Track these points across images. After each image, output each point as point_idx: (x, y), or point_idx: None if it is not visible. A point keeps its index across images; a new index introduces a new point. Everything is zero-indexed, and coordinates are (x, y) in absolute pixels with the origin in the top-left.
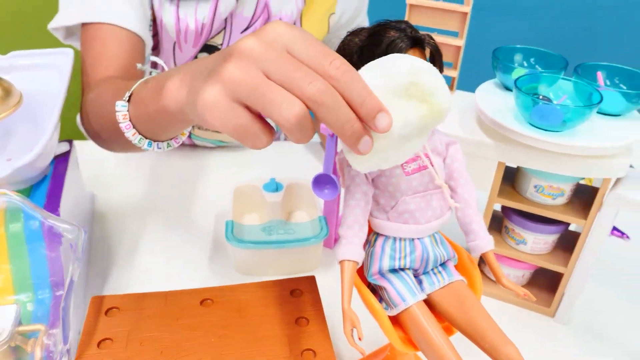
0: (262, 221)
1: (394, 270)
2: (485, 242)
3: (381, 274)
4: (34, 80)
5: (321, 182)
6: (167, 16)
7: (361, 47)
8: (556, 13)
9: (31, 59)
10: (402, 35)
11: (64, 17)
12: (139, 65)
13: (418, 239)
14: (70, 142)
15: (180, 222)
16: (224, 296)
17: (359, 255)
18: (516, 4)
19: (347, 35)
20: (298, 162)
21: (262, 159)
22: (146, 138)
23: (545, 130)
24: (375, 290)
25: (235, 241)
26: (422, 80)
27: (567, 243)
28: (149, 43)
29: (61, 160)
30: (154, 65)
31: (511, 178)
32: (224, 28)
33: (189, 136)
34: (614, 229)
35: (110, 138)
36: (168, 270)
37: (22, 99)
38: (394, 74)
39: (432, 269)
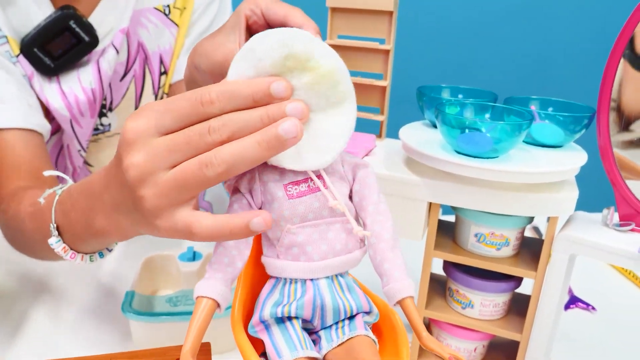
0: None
1: (280, 321)
2: (399, 285)
3: (265, 324)
4: None
5: None
6: (52, 96)
7: None
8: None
9: None
10: None
11: None
12: (41, 200)
13: (311, 280)
14: None
15: (80, 297)
16: None
17: (218, 293)
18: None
19: None
20: None
21: None
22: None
23: (475, 157)
24: None
25: (132, 313)
26: (294, 50)
27: (522, 308)
28: (46, 130)
29: None
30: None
31: (450, 230)
32: None
33: None
34: (578, 300)
35: (47, 257)
36: (58, 343)
37: None
38: (265, 55)
39: (337, 324)
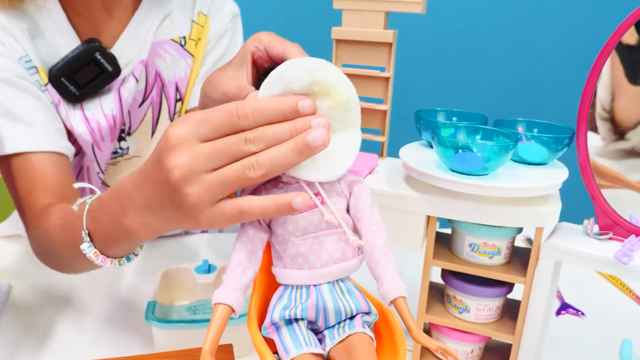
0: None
1: (288, 322)
2: (392, 287)
3: (276, 326)
4: None
5: None
6: (76, 122)
7: None
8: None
9: None
10: None
11: None
12: (74, 207)
13: (314, 285)
14: None
15: (102, 308)
16: None
17: (233, 300)
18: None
19: None
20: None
21: (198, 246)
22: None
23: (468, 175)
24: None
25: (155, 321)
26: (321, 77)
27: (514, 311)
28: (71, 152)
29: None
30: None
31: (447, 241)
32: None
33: None
34: (569, 306)
35: (77, 267)
36: (82, 353)
37: None
38: (295, 80)
39: (339, 323)
